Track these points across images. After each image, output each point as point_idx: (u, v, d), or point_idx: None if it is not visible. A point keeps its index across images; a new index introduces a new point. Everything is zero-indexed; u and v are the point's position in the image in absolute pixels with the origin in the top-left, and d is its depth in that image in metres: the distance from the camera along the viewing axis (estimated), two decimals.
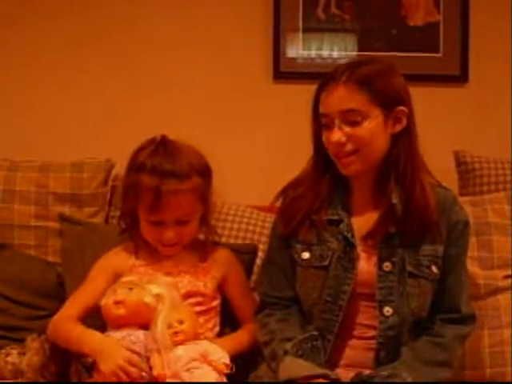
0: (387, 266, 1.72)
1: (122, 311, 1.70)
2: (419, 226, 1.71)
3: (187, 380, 1.64)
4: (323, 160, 1.78)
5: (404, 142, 1.74)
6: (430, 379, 1.66)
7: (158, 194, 1.73)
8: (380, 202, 1.74)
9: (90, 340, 1.71)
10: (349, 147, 1.69)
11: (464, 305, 1.78)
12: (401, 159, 1.72)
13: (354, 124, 1.68)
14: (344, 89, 1.69)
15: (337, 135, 1.69)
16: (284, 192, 1.85)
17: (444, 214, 1.75)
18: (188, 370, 1.65)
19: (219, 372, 1.67)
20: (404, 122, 1.74)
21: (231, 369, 1.69)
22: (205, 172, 1.84)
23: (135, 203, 1.81)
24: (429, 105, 2.64)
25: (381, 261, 1.72)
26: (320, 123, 1.74)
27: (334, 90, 1.70)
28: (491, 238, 2.07)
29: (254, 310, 1.86)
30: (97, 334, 1.73)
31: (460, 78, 2.66)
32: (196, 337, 1.74)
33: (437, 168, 2.32)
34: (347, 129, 1.69)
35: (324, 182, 1.79)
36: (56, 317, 1.85)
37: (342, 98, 1.69)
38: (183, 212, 1.78)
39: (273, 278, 1.84)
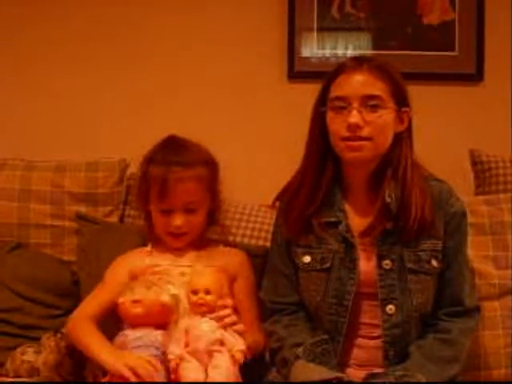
0: (387, 263, 1.72)
1: (139, 310, 1.70)
2: (416, 222, 1.70)
3: (205, 361, 1.64)
4: (320, 152, 1.77)
5: (405, 143, 1.75)
6: (441, 377, 1.66)
7: (164, 181, 1.82)
8: (375, 201, 1.74)
9: (102, 357, 1.70)
10: (364, 132, 1.68)
11: (467, 297, 1.77)
12: (402, 159, 1.73)
13: (374, 111, 1.69)
14: (369, 74, 1.70)
15: (357, 117, 1.67)
16: (280, 197, 1.86)
17: (440, 207, 1.75)
18: (209, 351, 1.65)
19: (236, 360, 1.66)
20: (406, 123, 1.75)
21: (245, 357, 1.68)
22: (210, 163, 1.91)
23: (146, 195, 1.88)
24: (444, 103, 2.64)
25: (380, 259, 1.72)
26: (327, 107, 1.73)
27: (357, 73, 1.70)
28: (506, 237, 2.06)
29: (257, 316, 1.87)
30: (106, 348, 1.72)
31: (475, 76, 2.64)
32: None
33: (452, 167, 2.33)
34: (367, 114, 1.68)
35: (321, 181, 1.77)
36: (72, 315, 1.87)
37: (366, 82, 1.70)
38: (190, 199, 1.85)
39: (277, 285, 1.85)
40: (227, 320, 1.70)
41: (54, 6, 2.67)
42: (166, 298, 1.72)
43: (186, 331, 1.68)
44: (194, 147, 1.91)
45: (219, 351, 1.66)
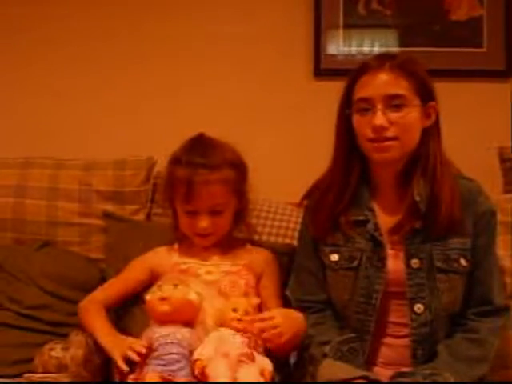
0: (415, 262, 1.71)
1: (166, 308, 1.70)
2: (445, 220, 1.69)
3: (234, 368, 1.63)
4: (347, 152, 1.77)
5: (434, 138, 1.74)
6: (469, 377, 1.65)
7: (190, 184, 1.81)
8: (404, 199, 1.74)
9: (102, 342, 1.78)
10: (390, 133, 1.68)
11: (496, 296, 1.76)
12: (430, 156, 1.73)
13: (398, 110, 1.68)
14: (391, 73, 1.70)
15: (381, 119, 1.67)
16: (307, 196, 1.87)
17: (469, 206, 1.74)
18: (239, 361, 1.64)
19: (263, 375, 1.64)
20: (433, 118, 1.75)
21: (273, 378, 1.67)
22: (238, 166, 1.89)
23: (172, 195, 1.89)
24: (473, 100, 2.61)
25: (408, 258, 1.72)
26: (352, 109, 1.73)
27: (380, 73, 1.70)
28: None
29: None
30: (108, 334, 1.79)
31: (504, 72, 2.61)
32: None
33: (480, 164, 2.30)
34: (392, 114, 1.68)
35: (350, 180, 1.78)
36: (83, 301, 1.92)
37: (388, 82, 1.69)
38: (215, 202, 1.84)
39: (304, 283, 1.85)
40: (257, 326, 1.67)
41: (55, 6, 2.68)
42: (192, 296, 1.72)
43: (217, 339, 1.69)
44: (221, 148, 1.89)
45: (248, 363, 1.65)
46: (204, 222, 1.85)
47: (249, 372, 1.62)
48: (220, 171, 1.84)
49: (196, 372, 1.63)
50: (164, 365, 1.63)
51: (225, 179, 1.84)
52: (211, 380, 1.60)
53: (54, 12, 2.68)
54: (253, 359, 1.65)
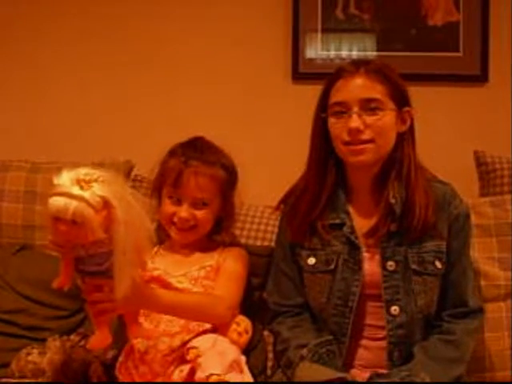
0: (391, 265, 1.73)
1: None
2: (420, 223, 1.71)
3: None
4: (322, 156, 1.78)
5: (408, 142, 1.76)
6: (445, 378, 1.66)
7: (180, 171, 1.84)
8: (379, 202, 1.75)
9: None
10: (366, 136, 1.70)
11: (471, 298, 1.78)
12: (405, 160, 1.74)
13: (374, 113, 1.70)
14: (366, 77, 1.71)
15: (357, 122, 1.69)
16: (284, 200, 1.88)
17: (444, 209, 1.76)
18: (231, 366, 1.65)
19: None
20: (408, 123, 1.76)
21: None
22: (229, 170, 1.91)
23: (161, 184, 1.90)
24: (449, 104, 2.64)
25: (384, 260, 1.73)
26: (327, 113, 1.74)
27: (355, 78, 1.72)
28: None
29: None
30: None
31: (480, 77, 2.64)
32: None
33: (457, 168, 2.32)
34: (367, 117, 1.69)
35: (325, 184, 1.79)
36: None
37: (364, 85, 1.71)
38: (200, 195, 1.85)
39: (281, 287, 1.86)
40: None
41: (40, 6, 2.68)
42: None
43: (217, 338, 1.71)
44: (217, 150, 1.92)
45: (237, 372, 1.67)
46: (184, 212, 1.84)
47: (236, 380, 1.64)
48: (211, 167, 1.86)
49: (188, 358, 1.65)
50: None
51: (214, 175, 1.86)
52: (201, 369, 1.60)
53: (38, 11, 2.68)
54: (241, 371, 1.68)
